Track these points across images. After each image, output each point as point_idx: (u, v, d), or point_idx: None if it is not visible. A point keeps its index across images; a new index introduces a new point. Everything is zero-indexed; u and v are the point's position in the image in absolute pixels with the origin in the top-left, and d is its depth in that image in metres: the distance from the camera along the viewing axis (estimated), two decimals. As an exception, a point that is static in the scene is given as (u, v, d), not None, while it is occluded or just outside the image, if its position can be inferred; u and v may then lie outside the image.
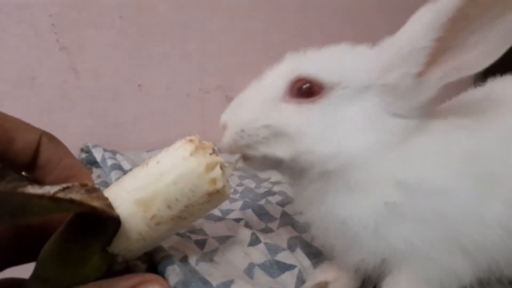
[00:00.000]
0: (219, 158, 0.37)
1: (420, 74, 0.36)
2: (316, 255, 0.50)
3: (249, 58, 1.00)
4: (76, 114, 0.91)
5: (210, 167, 0.36)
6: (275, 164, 0.41)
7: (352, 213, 0.37)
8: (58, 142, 0.38)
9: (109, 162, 0.74)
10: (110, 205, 0.34)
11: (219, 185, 0.36)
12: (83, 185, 0.32)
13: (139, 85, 0.95)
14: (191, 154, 0.36)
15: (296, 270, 0.46)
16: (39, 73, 0.86)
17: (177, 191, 0.35)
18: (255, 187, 0.77)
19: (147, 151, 0.92)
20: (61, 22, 0.85)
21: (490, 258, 0.38)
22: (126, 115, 0.96)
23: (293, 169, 0.40)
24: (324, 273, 0.46)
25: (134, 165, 0.75)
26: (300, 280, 0.45)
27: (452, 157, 0.36)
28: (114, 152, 0.82)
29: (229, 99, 1.03)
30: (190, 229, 0.53)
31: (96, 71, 0.91)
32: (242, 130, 0.40)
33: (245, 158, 0.42)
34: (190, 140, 0.37)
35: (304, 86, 0.39)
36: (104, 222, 0.34)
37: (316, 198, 0.40)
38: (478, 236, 0.36)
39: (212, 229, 0.53)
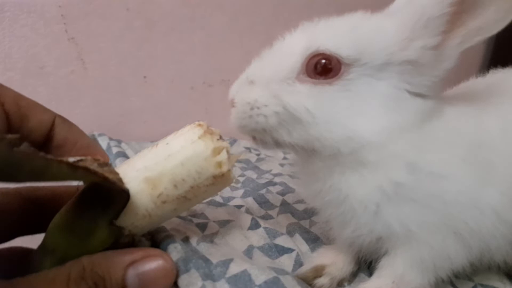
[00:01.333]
0: (225, 144, 0.38)
1: (438, 46, 0.36)
2: (314, 241, 0.52)
3: (253, 53, 1.01)
4: (82, 104, 0.92)
5: (216, 151, 0.37)
6: (283, 146, 0.40)
7: (356, 190, 0.37)
8: (71, 124, 0.40)
9: (114, 150, 0.75)
10: (120, 180, 0.36)
11: (225, 168, 0.38)
12: (95, 159, 0.34)
13: (144, 77, 0.97)
14: (200, 138, 0.37)
15: (294, 254, 0.48)
16: (47, 63, 0.87)
17: (184, 172, 0.37)
18: (257, 178, 0.78)
19: (151, 142, 0.94)
20: (70, 13, 0.86)
21: (483, 244, 0.39)
22: (131, 106, 0.97)
23: (301, 149, 0.39)
24: (321, 257, 0.47)
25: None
26: (298, 263, 0.47)
27: (458, 145, 0.37)
28: (119, 141, 0.84)
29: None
30: (191, 213, 0.54)
31: (102, 62, 0.92)
32: (250, 116, 0.38)
33: (253, 138, 0.41)
34: (199, 125, 0.39)
35: (321, 63, 0.36)
36: (114, 196, 0.35)
37: (322, 173, 0.39)
38: (473, 222, 0.37)
39: (213, 213, 0.55)
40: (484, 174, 0.37)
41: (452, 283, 0.44)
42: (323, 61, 0.36)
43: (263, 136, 0.39)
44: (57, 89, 0.89)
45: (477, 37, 0.35)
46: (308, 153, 0.39)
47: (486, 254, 0.40)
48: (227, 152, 0.38)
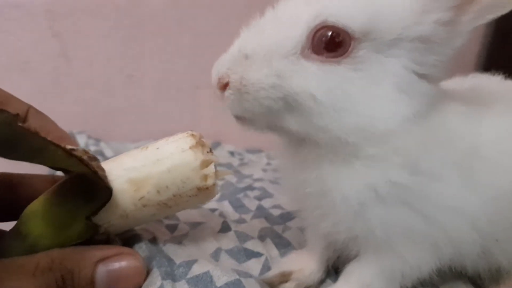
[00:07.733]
0: (214, 158, 0.39)
1: (450, 21, 0.32)
2: (285, 246, 0.51)
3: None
4: (66, 100, 0.91)
5: (205, 164, 0.38)
6: (279, 130, 0.36)
7: (342, 184, 0.34)
8: (46, 116, 0.41)
9: (92, 149, 0.75)
10: (106, 176, 0.35)
11: (210, 182, 0.38)
12: (86, 152, 0.34)
13: (129, 76, 0.96)
14: (190, 148, 0.37)
15: (262, 258, 0.47)
16: (31, 58, 0.87)
17: (169, 179, 0.37)
18: (236, 182, 0.78)
19: (133, 142, 0.93)
20: (56, 9, 0.86)
21: (456, 251, 0.38)
22: (115, 105, 0.97)
23: (299, 137, 0.35)
24: (289, 262, 0.46)
25: (117, 154, 0.75)
26: (266, 267, 0.46)
27: (453, 147, 0.35)
28: (98, 140, 0.83)
29: (219, 97, 1.04)
30: (163, 214, 0.53)
31: (88, 60, 0.92)
32: (255, 99, 0.33)
33: (240, 118, 0.37)
34: (192, 135, 0.39)
35: (329, 36, 0.31)
36: (96, 192, 0.35)
37: (311, 162, 0.36)
38: (452, 229, 0.36)
39: (185, 215, 0.54)
40: (470, 181, 0.35)
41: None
42: (331, 33, 0.31)
43: (260, 120, 0.35)
44: (40, 85, 0.89)
45: (490, 14, 0.32)
46: (303, 140, 0.36)
47: (456, 261, 0.40)
48: (215, 166, 0.38)
